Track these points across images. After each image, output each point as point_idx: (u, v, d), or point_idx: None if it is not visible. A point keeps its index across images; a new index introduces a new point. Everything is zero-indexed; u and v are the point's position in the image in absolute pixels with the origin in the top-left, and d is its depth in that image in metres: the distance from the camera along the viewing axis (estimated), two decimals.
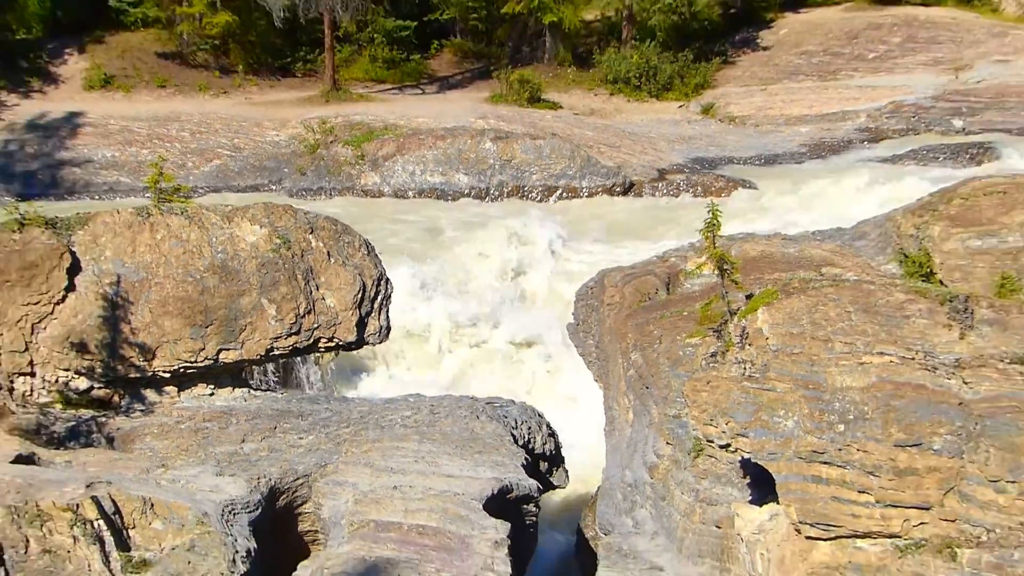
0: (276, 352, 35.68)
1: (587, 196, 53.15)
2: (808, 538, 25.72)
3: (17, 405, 32.83)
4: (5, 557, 25.60)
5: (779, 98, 66.18)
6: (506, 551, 28.32)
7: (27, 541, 26.01)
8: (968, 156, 55.54)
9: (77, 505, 26.50)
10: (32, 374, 33.53)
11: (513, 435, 32.37)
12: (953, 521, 24.95)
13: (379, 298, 36.65)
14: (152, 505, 27.47)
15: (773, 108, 64.51)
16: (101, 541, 26.38)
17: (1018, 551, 24.49)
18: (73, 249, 34.62)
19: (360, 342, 36.41)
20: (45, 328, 33.84)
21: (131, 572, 26.45)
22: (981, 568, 24.68)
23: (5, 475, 27.88)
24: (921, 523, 25.10)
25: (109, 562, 26.37)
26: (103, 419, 33.10)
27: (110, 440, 32.18)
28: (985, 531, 24.85)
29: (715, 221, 29.30)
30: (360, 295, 36.19)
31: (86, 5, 68.36)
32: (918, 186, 39.10)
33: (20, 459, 29.54)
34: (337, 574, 27.16)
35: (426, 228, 48.95)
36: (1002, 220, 29.78)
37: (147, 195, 37.51)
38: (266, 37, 63.95)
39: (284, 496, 29.81)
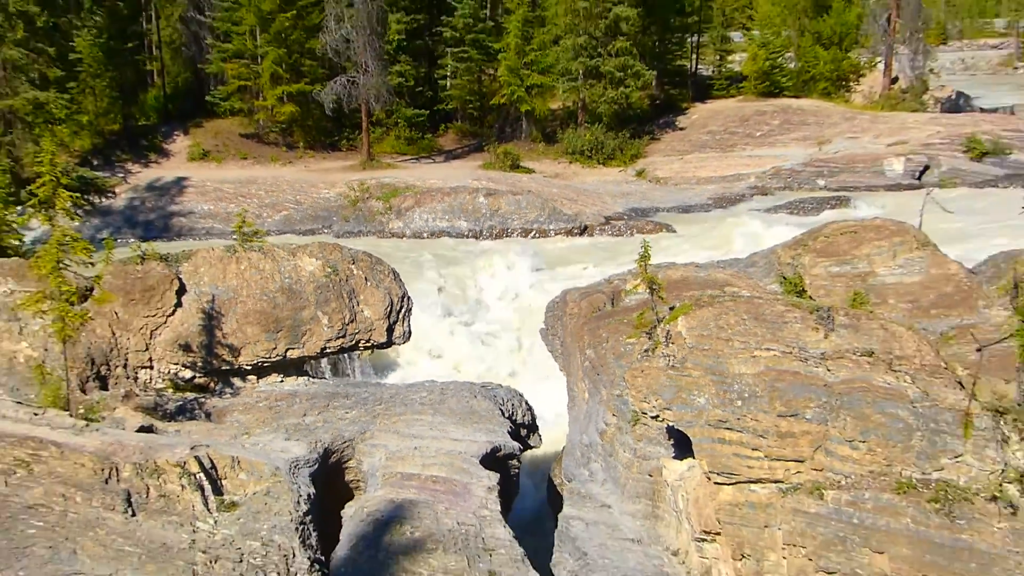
0: (328, 350, 36.64)
1: (553, 236, 53.29)
2: (716, 483, 26.40)
3: (140, 390, 33.53)
4: (132, 500, 26.20)
5: (692, 164, 66.48)
6: (496, 494, 29.09)
7: (148, 489, 26.50)
8: (829, 206, 55.93)
9: (184, 462, 27.06)
10: (151, 367, 34.32)
11: (501, 410, 33.09)
12: (821, 470, 25.51)
13: (403, 311, 37.56)
14: (239, 462, 28.05)
15: (687, 171, 64.80)
16: (201, 488, 26.91)
17: (867, 492, 24.97)
18: (180, 276, 35.60)
19: (389, 343, 37.33)
20: (160, 334, 34.61)
21: (224, 511, 26.90)
22: (841, 504, 25.19)
23: (131, 441, 28.43)
24: (797, 472, 25.69)
25: (208, 503, 26.74)
26: (202, 400, 33.83)
27: (207, 415, 32.96)
28: (844, 477, 25.39)
29: (646, 254, 30.25)
30: (389, 309, 37.06)
31: (189, 99, 68.43)
32: (792, 229, 39.58)
33: (142, 429, 30.22)
34: (373, 511, 27.75)
35: (439, 257, 49.27)
36: (853, 252, 30.57)
37: (233, 237, 37.85)
38: (320, 122, 63.82)
39: (334, 455, 30.57)
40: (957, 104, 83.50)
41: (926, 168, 62.78)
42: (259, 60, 64.62)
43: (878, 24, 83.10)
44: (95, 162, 58.61)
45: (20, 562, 24.94)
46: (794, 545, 25.40)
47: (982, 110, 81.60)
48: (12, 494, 25.99)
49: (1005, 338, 26.21)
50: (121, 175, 60.10)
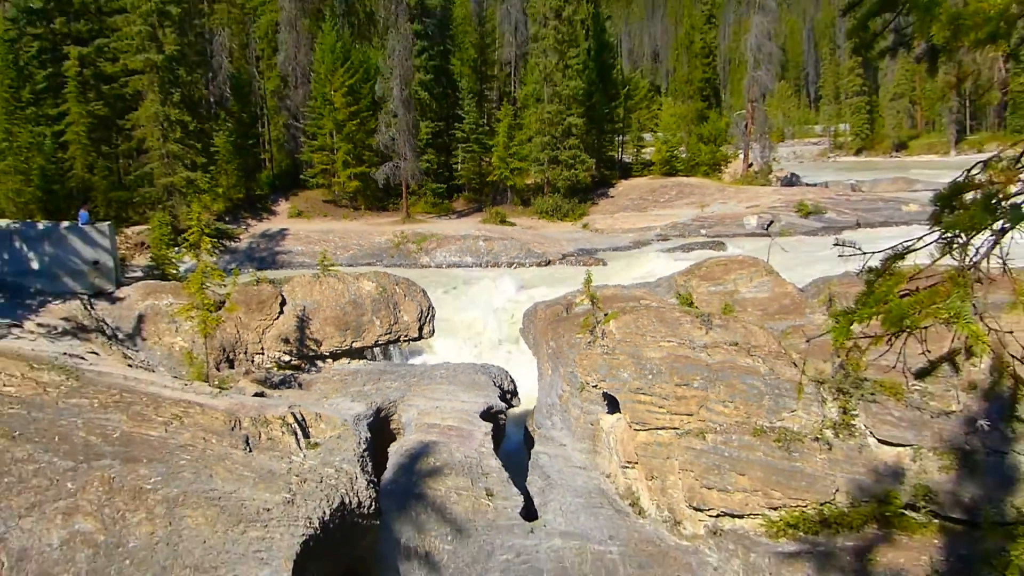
0: (379, 343, 36.61)
1: (528, 267, 52.94)
2: (635, 429, 26.34)
3: (255, 369, 33.45)
4: (249, 441, 26.06)
5: (618, 220, 66.11)
6: (490, 438, 29.13)
7: (260, 434, 26.28)
8: (708, 247, 55.53)
9: (284, 416, 26.88)
10: (262, 353, 34.32)
11: (493, 382, 33.14)
12: (703, 421, 25.44)
13: (429, 316, 37.60)
14: (320, 416, 27.84)
15: (616, 225, 64.49)
16: (295, 433, 26.69)
17: (734, 435, 24.92)
18: (282, 293, 35.69)
19: (420, 337, 37.50)
20: (268, 332, 34.56)
21: (310, 448, 26.77)
22: (716, 443, 25.20)
23: (249, 402, 28.33)
24: (688, 422, 25.64)
25: (299, 443, 26.51)
26: (296, 375, 33.73)
27: (299, 385, 32.82)
28: (718, 426, 25.33)
29: (589, 279, 30.28)
30: (420, 315, 37.07)
31: (289, 177, 68.12)
32: (684, 262, 39.48)
33: (256, 394, 30.07)
34: (409, 449, 27.68)
35: (454, 278, 48.99)
36: (724, 277, 30.63)
37: (317, 267, 37.71)
38: (375, 192, 63.64)
39: (383, 411, 30.50)
40: (791, 181, 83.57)
41: (771, 222, 62.67)
42: (335, 151, 64.37)
43: (739, 128, 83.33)
44: (226, 218, 58.34)
45: (175, 482, 24.79)
46: (686, 470, 25.35)
47: (807, 185, 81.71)
48: (170, 437, 25.86)
49: (824, 334, 26.20)
50: (244, 227, 59.83)
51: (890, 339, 5.29)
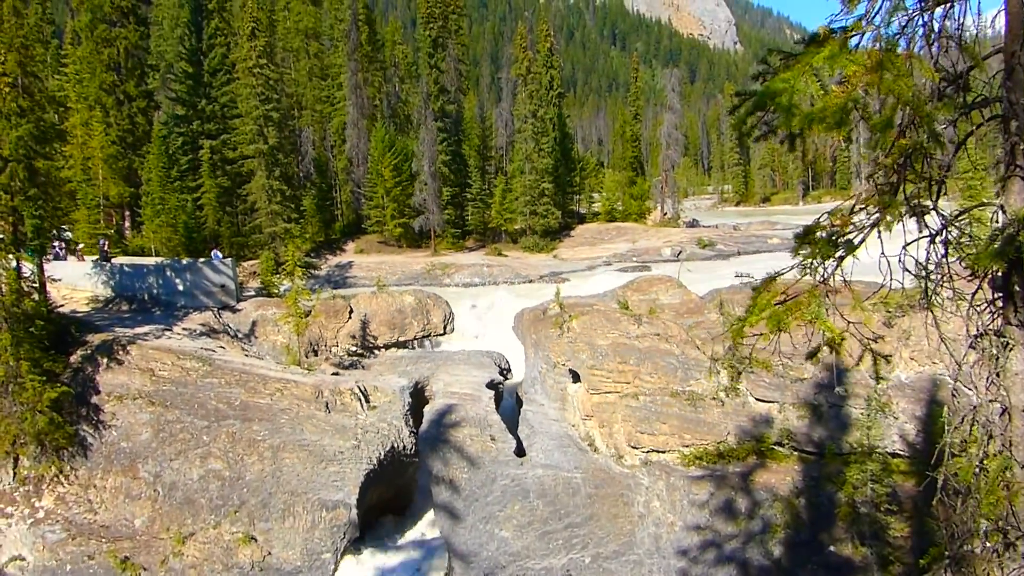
0: (417, 337, 36.20)
1: (517, 284, 52.79)
2: (590, 393, 26.10)
3: (332, 356, 32.98)
4: (328, 406, 25.85)
5: (577, 252, 65.81)
6: (493, 401, 29.00)
7: (336, 400, 26.09)
8: (639, 269, 55.45)
9: (352, 388, 26.60)
10: (336, 346, 34.03)
11: (495, 362, 32.96)
12: (637, 387, 25.22)
13: (450, 319, 37.20)
14: (376, 387, 27.70)
15: (575, 255, 64.18)
16: (360, 400, 26.51)
17: (657, 396, 24.79)
18: (351, 304, 35.16)
19: (444, 334, 36.85)
20: (341, 331, 34.23)
21: (370, 410, 26.59)
22: (646, 402, 25.01)
23: (329, 379, 28.10)
24: (627, 388, 25.33)
25: (363, 406, 26.29)
26: (360, 360, 33.36)
27: (363, 367, 32.60)
28: (647, 390, 25.14)
29: (559, 291, 30.27)
30: (444, 318, 36.68)
31: (354, 226, 67.74)
32: (623, 279, 39.35)
33: (333, 374, 29.63)
34: (438, 409, 27.48)
35: (466, 294, 48.54)
36: (649, 289, 30.50)
37: (374, 287, 37.48)
38: (413, 234, 63.36)
39: (420, 384, 30.23)
40: (692, 224, 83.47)
41: (680, 252, 62.49)
42: (385, 208, 64.24)
43: (657, 189, 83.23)
44: (312, 255, 57.94)
45: (278, 434, 24.57)
46: (625, 421, 25.23)
47: (703, 226, 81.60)
48: (275, 404, 25.65)
49: (722, 333, 26.11)
50: (324, 260, 59.40)
51: (772, 337, 5.29)
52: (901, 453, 22.55)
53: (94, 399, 25.01)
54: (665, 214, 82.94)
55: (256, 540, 22.89)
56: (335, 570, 22.73)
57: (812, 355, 5.65)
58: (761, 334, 5.31)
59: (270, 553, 22.83)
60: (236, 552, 22.73)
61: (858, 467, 21.69)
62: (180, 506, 23.41)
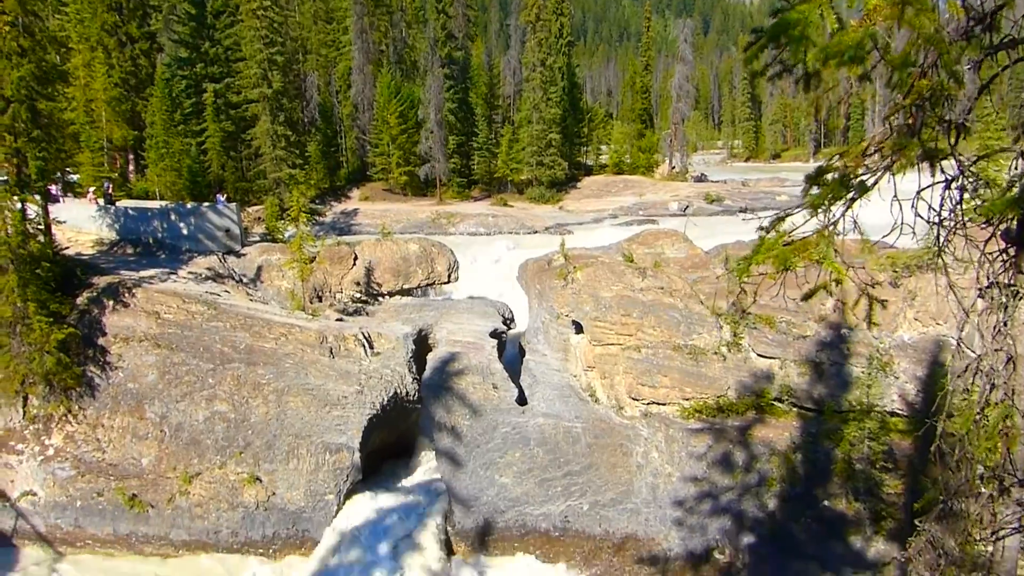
0: (421, 285, 36.16)
1: (522, 235, 52.41)
2: (593, 345, 26.18)
3: (336, 303, 33.06)
4: (332, 351, 25.99)
5: (583, 204, 65.29)
6: (496, 350, 29.02)
7: (340, 346, 26.23)
8: (646, 223, 55.02)
9: (356, 334, 26.71)
10: (341, 292, 34.05)
11: (499, 312, 32.92)
12: (639, 340, 25.22)
13: (455, 267, 37.10)
14: (380, 334, 27.81)
15: (581, 207, 63.63)
16: (364, 346, 26.62)
17: (649, 349, 24.69)
18: (355, 251, 35.12)
19: (448, 282, 36.79)
20: (345, 277, 34.29)
21: (374, 356, 26.74)
22: (648, 355, 24.99)
23: (333, 325, 28.20)
24: (629, 340, 25.40)
25: (366, 353, 26.41)
26: (364, 307, 33.40)
27: (367, 314, 32.66)
28: (649, 343, 25.08)
29: (563, 243, 30.13)
30: (448, 266, 36.66)
31: (359, 173, 67.22)
32: (628, 232, 39.09)
33: (337, 320, 29.74)
34: (441, 357, 27.56)
35: (471, 243, 48.35)
36: (656, 243, 30.33)
37: (379, 234, 37.34)
38: (418, 183, 62.90)
39: (424, 332, 30.30)
40: (701, 178, 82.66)
41: (687, 207, 62.11)
42: (390, 156, 63.69)
43: (666, 142, 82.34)
44: (316, 201, 57.63)
45: (282, 378, 24.78)
46: (627, 373, 25.34)
47: (712, 181, 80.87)
48: (279, 348, 25.81)
49: (725, 276, 25.96)
50: (328, 207, 59.18)
51: (777, 276, 5.24)
52: (900, 412, 22.66)
53: (100, 341, 25.20)
54: (673, 168, 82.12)
55: (261, 481, 23.30)
56: (338, 511, 23.17)
57: (809, 296, 5.61)
58: (767, 274, 5.25)
59: (275, 493, 23.26)
60: (241, 492, 23.15)
61: (856, 424, 21.86)
62: (186, 446, 23.77)
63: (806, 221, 5.15)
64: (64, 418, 24.02)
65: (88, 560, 22.88)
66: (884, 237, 5.24)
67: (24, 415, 23.96)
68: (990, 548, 6.24)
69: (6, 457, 23.65)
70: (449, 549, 23.00)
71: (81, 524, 23.05)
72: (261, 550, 22.81)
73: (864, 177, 4.92)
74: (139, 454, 23.74)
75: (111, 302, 25.98)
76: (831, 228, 5.05)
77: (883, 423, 21.89)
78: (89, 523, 23.04)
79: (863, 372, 22.88)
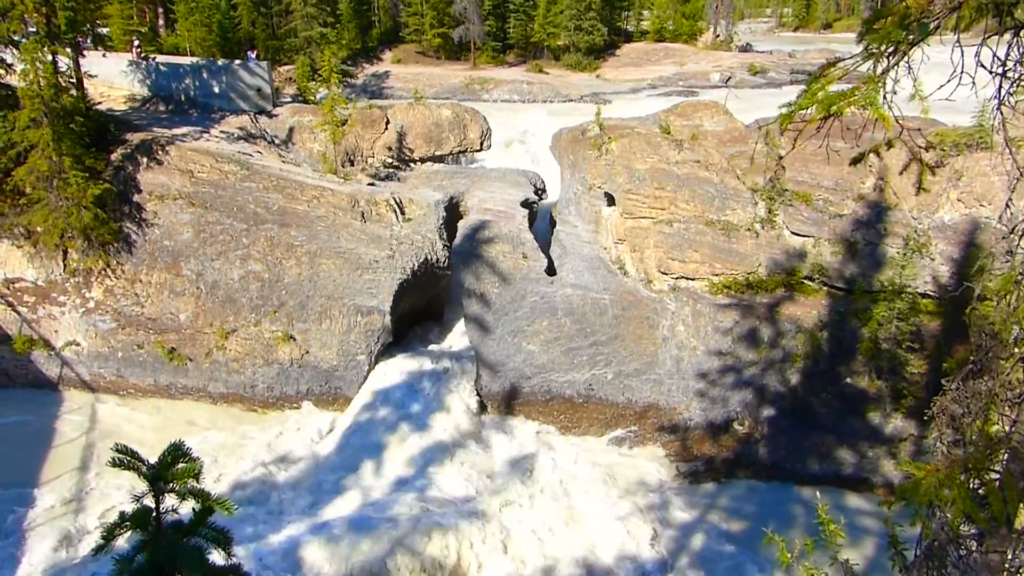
0: (453, 152, 35.52)
1: (556, 103, 50.85)
2: (624, 217, 25.79)
3: (368, 167, 32.63)
4: (364, 215, 25.88)
5: (621, 72, 62.71)
6: (527, 219, 28.77)
7: (372, 211, 26.14)
8: (686, 94, 52.94)
9: (387, 199, 26.52)
10: (373, 156, 33.57)
11: (530, 181, 32.43)
12: (672, 214, 24.76)
13: (488, 134, 36.19)
14: (412, 200, 27.62)
15: (619, 76, 61.18)
16: (395, 211, 26.49)
17: (692, 224, 24.37)
18: (387, 115, 34.33)
19: (481, 149, 35.99)
20: (377, 142, 33.72)
21: (405, 222, 26.68)
22: (680, 229, 24.63)
23: (365, 189, 28.02)
24: (662, 214, 24.94)
25: (398, 218, 26.32)
26: (396, 172, 33.00)
27: (398, 179, 32.30)
28: (682, 217, 24.64)
29: (599, 112, 29.04)
30: (481, 133, 35.79)
31: (392, 34, 64.81)
32: (666, 103, 37.53)
33: (369, 184, 29.46)
34: (472, 225, 27.42)
35: (507, 111, 47.10)
36: (695, 115, 29.05)
37: (411, 99, 36.32)
38: (452, 47, 60.67)
39: (455, 199, 30.05)
40: (745, 48, 78.56)
41: (729, 78, 59.39)
42: (424, 16, 61.17)
43: (711, 8, 77.79)
44: (348, 62, 56.00)
45: (315, 241, 24.88)
46: (657, 247, 25.03)
47: (757, 52, 76.86)
48: (312, 211, 25.77)
49: (771, 122, 24.99)
50: (360, 69, 57.57)
51: (820, 124, 4.86)
52: (931, 294, 22.25)
53: (136, 198, 25.30)
54: (717, 36, 78.01)
55: (295, 339, 23.90)
56: (369, 371, 23.83)
57: (857, 160, 5.19)
58: (810, 120, 4.84)
59: (308, 352, 23.91)
60: (276, 349, 23.83)
61: (886, 304, 21.56)
62: (222, 304, 24.30)
63: (856, 66, 4.69)
64: (103, 272, 24.54)
65: (134, 402, 24.04)
66: (940, 88, 4.71)
67: (65, 268, 24.51)
68: (1014, 414, 6.02)
69: (49, 308, 24.43)
70: (482, 407, 23.73)
71: (123, 374, 24.06)
72: (295, 405, 23.72)
73: (926, 20, 4.40)
74: (176, 309, 24.36)
75: (145, 159, 25.87)
76: (883, 74, 4.55)
77: (913, 304, 21.57)
78: (131, 373, 24.04)
79: (898, 252, 22.32)
